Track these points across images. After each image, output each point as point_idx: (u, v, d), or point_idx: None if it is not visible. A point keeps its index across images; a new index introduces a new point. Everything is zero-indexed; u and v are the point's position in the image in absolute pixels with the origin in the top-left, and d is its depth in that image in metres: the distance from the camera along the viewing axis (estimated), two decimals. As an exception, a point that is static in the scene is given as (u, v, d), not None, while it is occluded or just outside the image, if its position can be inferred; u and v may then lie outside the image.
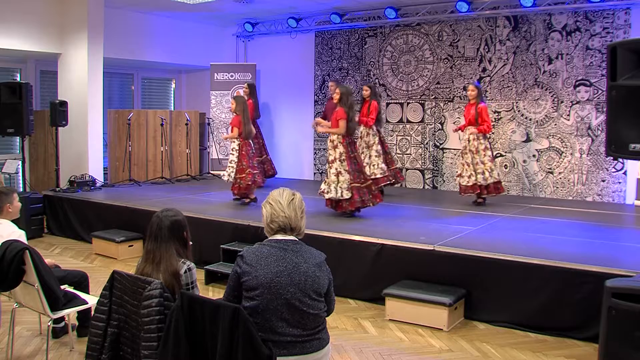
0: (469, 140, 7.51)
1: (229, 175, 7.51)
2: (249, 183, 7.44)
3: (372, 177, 7.68)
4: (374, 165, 8.06)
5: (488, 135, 7.61)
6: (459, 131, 7.94)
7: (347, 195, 6.48)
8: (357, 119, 7.55)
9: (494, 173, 7.47)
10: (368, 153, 8.13)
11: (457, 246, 5.17)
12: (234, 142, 7.54)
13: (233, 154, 7.54)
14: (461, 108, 9.36)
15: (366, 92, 8.26)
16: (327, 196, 6.66)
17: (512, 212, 7.27)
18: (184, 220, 3.20)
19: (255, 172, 7.54)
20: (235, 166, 7.48)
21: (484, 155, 7.46)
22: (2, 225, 4.06)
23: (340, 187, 6.52)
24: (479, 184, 7.45)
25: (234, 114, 7.58)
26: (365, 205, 6.62)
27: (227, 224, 6.46)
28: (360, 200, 6.56)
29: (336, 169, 6.56)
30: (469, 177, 7.48)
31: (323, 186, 6.74)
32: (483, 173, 7.41)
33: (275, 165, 9.93)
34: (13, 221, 4.17)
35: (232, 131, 7.54)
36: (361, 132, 8.21)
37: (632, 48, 3.32)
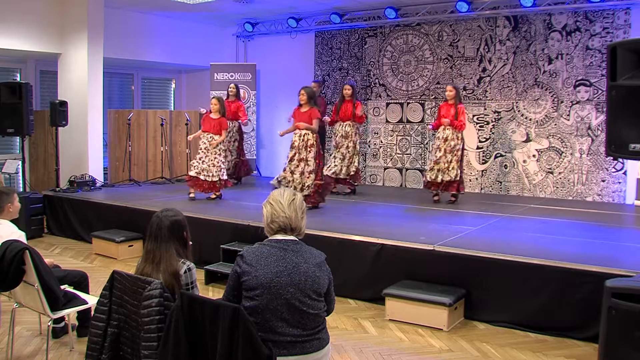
0: (446, 139, 7.59)
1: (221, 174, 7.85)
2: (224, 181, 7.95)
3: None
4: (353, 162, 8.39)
5: (462, 137, 7.72)
6: (432, 129, 8.09)
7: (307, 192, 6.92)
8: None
9: (457, 172, 7.61)
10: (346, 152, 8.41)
11: (457, 246, 5.17)
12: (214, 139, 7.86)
13: (219, 155, 7.91)
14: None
15: (348, 91, 8.40)
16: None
17: (512, 212, 7.27)
18: (184, 220, 3.20)
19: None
20: (222, 165, 7.92)
21: (456, 154, 7.59)
22: (3, 225, 4.06)
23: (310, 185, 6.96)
24: (439, 180, 7.62)
25: (218, 114, 7.91)
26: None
27: (227, 224, 6.46)
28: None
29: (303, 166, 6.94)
30: (429, 172, 7.70)
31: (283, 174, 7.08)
32: (449, 171, 7.56)
33: (273, 164, 10.03)
34: (13, 221, 4.17)
35: (221, 134, 7.90)
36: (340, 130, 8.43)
37: (632, 48, 3.32)
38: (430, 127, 8.20)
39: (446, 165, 7.57)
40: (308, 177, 6.94)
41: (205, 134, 7.89)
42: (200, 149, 7.87)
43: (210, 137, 7.84)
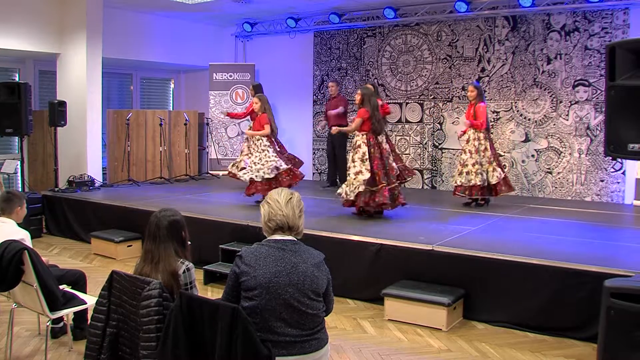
0: (468, 140, 7.45)
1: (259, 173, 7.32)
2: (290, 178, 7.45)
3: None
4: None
5: (487, 135, 7.47)
6: (463, 135, 7.66)
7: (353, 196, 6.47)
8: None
9: (490, 175, 7.32)
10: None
11: (456, 246, 5.17)
12: (262, 139, 7.39)
13: (264, 151, 7.36)
14: (460, 108, 9.37)
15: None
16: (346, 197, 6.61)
17: (511, 212, 7.27)
18: (182, 220, 3.20)
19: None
20: (274, 164, 7.30)
21: (483, 156, 7.36)
22: (7, 224, 4.11)
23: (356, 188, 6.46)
24: (465, 185, 7.33)
25: (259, 112, 7.47)
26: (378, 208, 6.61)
27: (226, 224, 6.46)
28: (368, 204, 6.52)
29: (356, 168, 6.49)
30: (459, 176, 7.41)
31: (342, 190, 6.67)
32: (480, 174, 7.27)
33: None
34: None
35: (262, 129, 7.39)
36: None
37: (630, 48, 3.32)
38: (460, 133, 7.83)
39: (476, 166, 7.25)
40: (355, 179, 6.47)
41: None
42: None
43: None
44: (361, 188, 6.40)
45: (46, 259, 4.23)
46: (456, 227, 6.13)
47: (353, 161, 6.54)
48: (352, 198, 6.49)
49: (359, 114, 6.58)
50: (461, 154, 7.55)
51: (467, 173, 7.32)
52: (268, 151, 7.37)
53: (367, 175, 6.39)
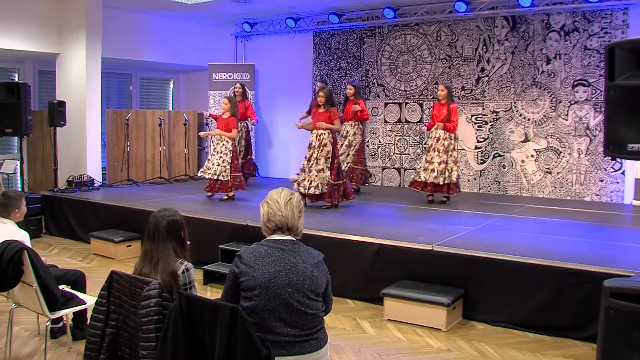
0: (438, 139, 7.55)
1: (218, 174, 7.71)
2: (236, 183, 7.87)
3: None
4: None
5: (457, 136, 7.71)
6: (426, 130, 7.97)
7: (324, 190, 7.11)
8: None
9: (453, 174, 7.56)
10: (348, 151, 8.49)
11: (455, 246, 5.17)
12: (228, 142, 7.77)
13: (226, 154, 7.74)
14: (460, 108, 9.36)
15: (350, 90, 8.54)
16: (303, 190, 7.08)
17: (511, 212, 7.27)
18: (182, 220, 3.20)
19: (239, 174, 8.00)
20: (229, 167, 7.74)
21: (451, 155, 7.55)
22: (7, 225, 4.10)
23: (321, 183, 7.07)
24: (431, 182, 7.53)
25: (228, 114, 7.82)
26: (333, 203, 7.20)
27: (225, 224, 6.46)
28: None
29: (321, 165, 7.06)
30: (424, 171, 7.59)
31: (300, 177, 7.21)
32: (444, 172, 7.48)
33: (272, 165, 10.00)
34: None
35: (229, 131, 7.77)
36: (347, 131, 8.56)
37: (630, 48, 3.32)
38: (424, 127, 8.17)
39: (442, 165, 7.47)
40: (317, 176, 7.06)
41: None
42: (215, 150, 7.86)
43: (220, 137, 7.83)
44: (319, 182, 7.09)
45: (44, 259, 4.24)
46: (455, 227, 6.14)
47: (317, 159, 7.10)
48: (317, 192, 7.10)
49: (333, 115, 7.17)
50: (429, 151, 7.67)
51: (432, 170, 7.51)
52: (225, 155, 7.77)
53: (328, 172, 7.10)
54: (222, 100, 8.09)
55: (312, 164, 7.13)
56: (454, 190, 7.69)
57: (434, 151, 7.57)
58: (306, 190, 7.07)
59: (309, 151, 7.21)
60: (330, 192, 7.14)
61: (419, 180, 7.65)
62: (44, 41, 9.11)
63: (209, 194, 8.05)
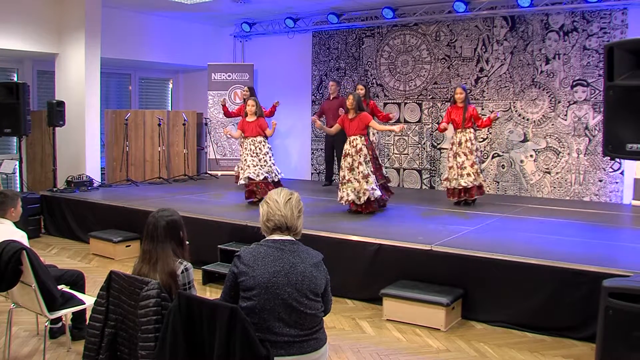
0: (460, 143, 7.35)
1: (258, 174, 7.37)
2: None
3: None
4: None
5: (473, 135, 7.41)
6: (445, 130, 7.62)
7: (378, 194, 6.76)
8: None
9: (480, 177, 7.36)
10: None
11: (454, 246, 5.17)
12: (265, 142, 7.49)
13: (267, 154, 7.46)
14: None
15: (361, 91, 8.33)
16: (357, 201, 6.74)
17: (510, 212, 7.27)
18: (180, 220, 3.20)
19: None
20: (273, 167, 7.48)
21: (476, 155, 7.35)
22: (5, 225, 4.10)
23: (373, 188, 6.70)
24: (461, 187, 7.34)
25: (254, 116, 7.47)
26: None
27: (224, 224, 6.46)
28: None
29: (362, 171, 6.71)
30: (460, 179, 7.32)
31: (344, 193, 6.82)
32: (469, 175, 7.27)
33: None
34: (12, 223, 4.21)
35: (263, 133, 7.46)
36: None
37: (629, 48, 3.32)
38: (442, 127, 7.62)
39: (475, 167, 7.26)
40: (366, 182, 6.66)
41: (248, 139, 7.46)
42: (247, 154, 7.44)
43: (252, 140, 7.44)
44: (367, 187, 6.72)
45: (43, 259, 4.24)
46: (455, 227, 6.13)
47: (359, 164, 6.73)
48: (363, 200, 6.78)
49: (368, 116, 6.91)
50: (455, 157, 7.39)
51: (469, 175, 7.28)
52: (267, 155, 7.49)
53: (373, 176, 6.81)
54: (249, 102, 7.58)
55: (355, 173, 6.71)
56: (483, 191, 7.52)
57: (462, 155, 7.31)
58: (360, 201, 6.68)
59: (345, 160, 6.82)
60: (385, 189, 7.08)
61: (460, 187, 7.35)
62: (43, 41, 9.11)
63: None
